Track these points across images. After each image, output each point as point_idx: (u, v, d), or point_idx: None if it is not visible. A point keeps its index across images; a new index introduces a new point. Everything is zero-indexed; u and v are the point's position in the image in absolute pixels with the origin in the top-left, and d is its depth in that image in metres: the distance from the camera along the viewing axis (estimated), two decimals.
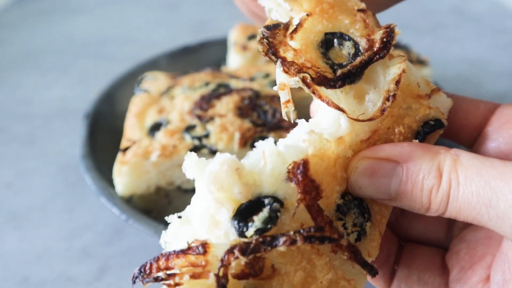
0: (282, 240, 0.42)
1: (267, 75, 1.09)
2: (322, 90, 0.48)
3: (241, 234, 0.43)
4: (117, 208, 0.88)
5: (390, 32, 0.51)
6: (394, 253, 0.60)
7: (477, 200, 0.44)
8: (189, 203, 1.05)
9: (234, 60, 1.22)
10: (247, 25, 1.30)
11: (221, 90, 1.02)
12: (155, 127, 0.96)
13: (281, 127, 0.94)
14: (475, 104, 0.55)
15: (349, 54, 0.50)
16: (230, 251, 0.42)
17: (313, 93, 0.48)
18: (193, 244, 0.43)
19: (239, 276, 0.42)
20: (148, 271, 0.44)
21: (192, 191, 1.02)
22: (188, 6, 1.96)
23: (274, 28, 0.51)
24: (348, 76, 0.49)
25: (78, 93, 1.42)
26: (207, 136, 0.93)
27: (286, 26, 0.51)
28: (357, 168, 0.49)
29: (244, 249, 0.42)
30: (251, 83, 1.06)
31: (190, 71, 1.15)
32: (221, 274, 0.41)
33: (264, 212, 0.44)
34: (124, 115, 1.07)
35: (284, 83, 0.50)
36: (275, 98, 1.01)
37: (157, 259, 0.44)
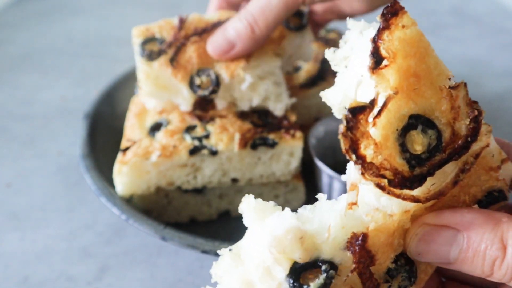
0: None
1: None
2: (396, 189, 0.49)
3: None
4: (117, 208, 0.88)
5: (476, 128, 0.49)
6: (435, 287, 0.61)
7: None
8: (189, 203, 1.05)
9: None
10: None
11: None
12: (155, 127, 0.96)
13: (281, 128, 0.94)
14: None
15: (429, 144, 0.48)
16: None
17: (388, 193, 0.49)
18: None
19: None
20: None
21: (192, 191, 1.02)
22: (188, 6, 1.96)
23: (359, 112, 0.49)
24: (425, 177, 0.48)
25: (78, 93, 1.42)
26: (207, 136, 0.92)
27: (371, 106, 0.49)
28: (417, 235, 0.50)
29: None
30: None
31: None
32: None
33: (321, 279, 0.47)
34: (124, 115, 1.07)
35: (356, 184, 0.51)
36: None
37: None
